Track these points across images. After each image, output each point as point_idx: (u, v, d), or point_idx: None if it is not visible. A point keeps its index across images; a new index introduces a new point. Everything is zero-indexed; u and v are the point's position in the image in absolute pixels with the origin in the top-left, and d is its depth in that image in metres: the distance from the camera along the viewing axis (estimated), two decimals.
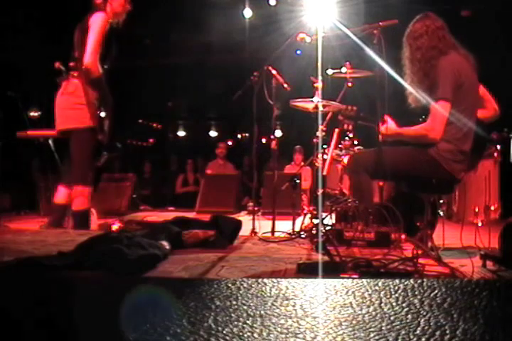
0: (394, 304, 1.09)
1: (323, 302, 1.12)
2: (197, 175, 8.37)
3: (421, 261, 2.07)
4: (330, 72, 3.60)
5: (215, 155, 7.68)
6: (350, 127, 3.25)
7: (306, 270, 1.90)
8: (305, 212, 3.68)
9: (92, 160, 3.44)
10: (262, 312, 1.05)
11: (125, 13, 3.49)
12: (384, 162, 2.61)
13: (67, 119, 3.35)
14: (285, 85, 3.63)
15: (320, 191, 2.70)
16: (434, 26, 2.75)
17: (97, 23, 3.29)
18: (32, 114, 6.73)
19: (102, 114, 3.38)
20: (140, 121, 10.70)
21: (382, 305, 1.09)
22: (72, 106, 3.33)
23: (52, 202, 3.56)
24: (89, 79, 3.31)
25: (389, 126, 2.77)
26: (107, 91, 3.40)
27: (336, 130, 3.52)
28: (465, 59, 2.73)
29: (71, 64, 3.40)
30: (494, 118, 2.90)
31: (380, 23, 2.78)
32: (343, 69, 3.56)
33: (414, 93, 2.76)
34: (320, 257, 2.16)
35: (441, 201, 2.88)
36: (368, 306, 1.08)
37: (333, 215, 3.22)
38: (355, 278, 1.68)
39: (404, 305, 1.08)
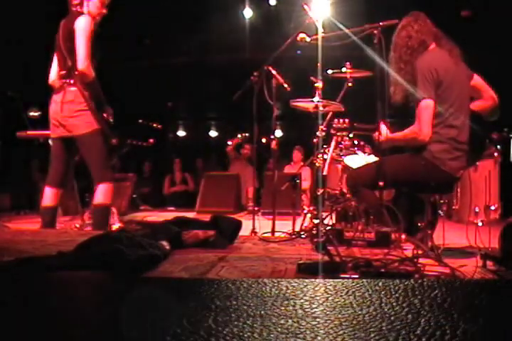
0: (394, 304, 1.09)
1: (323, 302, 1.12)
2: (184, 174, 8.37)
3: (421, 261, 2.07)
4: (330, 72, 3.59)
5: (239, 154, 7.67)
6: (345, 138, 3.29)
7: (306, 270, 1.90)
8: (305, 212, 3.67)
9: (109, 159, 3.46)
10: (262, 312, 1.05)
11: (101, 16, 3.45)
12: (383, 174, 2.60)
13: (73, 127, 3.35)
14: (285, 85, 3.63)
15: (320, 191, 2.70)
16: (398, 30, 2.77)
17: (83, 27, 3.27)
18: (32, 114, 6.72)
19: (104, 115, 3.39)
20: (140, 121, 10.68)
21: (383, 305, 1.09)
22: (76, 114, 3.33)
23: (41, 205, 3.50)
24: (85, 84, 3.31)
25: (382, 133, 2.78)
26: (101, 92, 3.40)
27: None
28: (447, 52, 2.71)
29: (62, 72, 3.38)
30: (494, 107, 2.84)
31: (380, 23, 2.78)
32: (343, 69, 3.55)
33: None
34: (320, 257, 2.15)
35: (442, 201, 2.87)
36: (369, 306, 1.08)
37: (333, 215, 3.23)
38: (356, 278, 1.69)
39: (404, 305, 1.08)
